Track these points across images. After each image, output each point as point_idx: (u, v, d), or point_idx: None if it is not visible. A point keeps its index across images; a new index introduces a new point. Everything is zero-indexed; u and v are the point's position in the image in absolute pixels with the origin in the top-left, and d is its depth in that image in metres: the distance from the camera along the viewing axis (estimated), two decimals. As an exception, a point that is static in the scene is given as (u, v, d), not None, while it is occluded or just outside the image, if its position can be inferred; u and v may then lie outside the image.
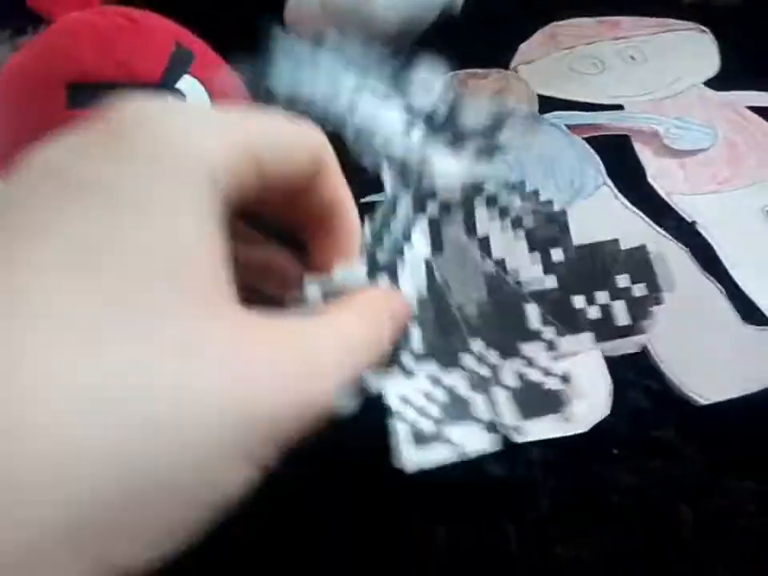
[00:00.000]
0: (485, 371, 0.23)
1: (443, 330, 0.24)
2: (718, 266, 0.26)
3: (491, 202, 0.25)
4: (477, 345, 0.24)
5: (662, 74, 0.37)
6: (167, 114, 0.14)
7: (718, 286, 0.25)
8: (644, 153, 0.33)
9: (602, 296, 0.24)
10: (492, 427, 0.21)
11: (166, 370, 0.12)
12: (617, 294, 0.24)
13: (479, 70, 0.43)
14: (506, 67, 0.42)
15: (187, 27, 0.37)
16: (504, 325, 0.24)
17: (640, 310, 0.23)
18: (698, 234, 0.28)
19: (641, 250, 0.24)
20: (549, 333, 0.24)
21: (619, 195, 0.30)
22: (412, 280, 0.24)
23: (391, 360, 0.22)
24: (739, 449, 0.21)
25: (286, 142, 0.17)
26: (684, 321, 0.23)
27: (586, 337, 0.23)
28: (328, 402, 0.15)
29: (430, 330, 0.23)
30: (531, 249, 0.25)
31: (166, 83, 0.32)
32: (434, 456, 0.20)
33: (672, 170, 0.31)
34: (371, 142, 0.25)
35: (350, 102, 0.26)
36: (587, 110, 0.36)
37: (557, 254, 0.25)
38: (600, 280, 0.24)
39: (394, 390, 0.21)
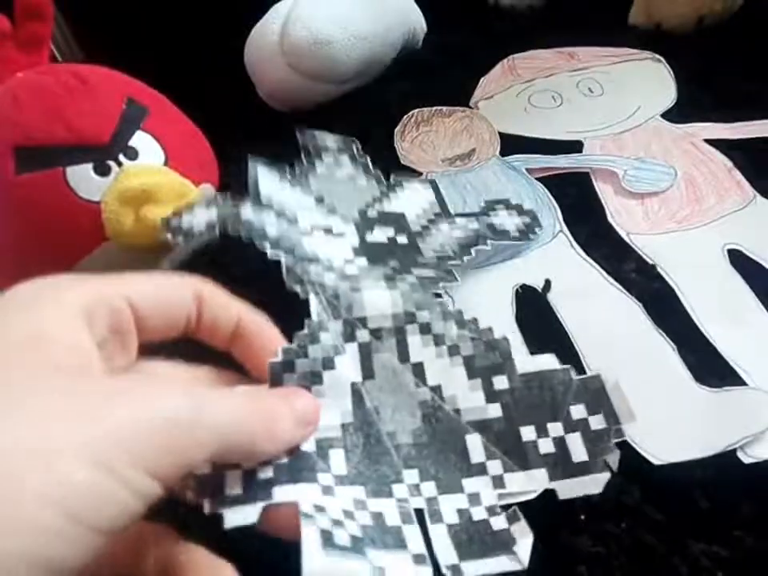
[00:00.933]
0: (419, 503, 0.21)
1: (372, 458, 0.22)
2: (679, 313, 0.26)
3: (425, 329, 0.25)
4: (411, 476, 0.22)
5: (619, 106, 0.37)
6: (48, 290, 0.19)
7: (671, 343, 0.25)
8: (604, 191, 0.32)
9: (554, 428, 0.22)
10: (421, 559, 0.20)
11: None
12: (572, 425, 0.22)
13: (443, 108, 0.42)
14: (468, 100, 0.42)
15: (147, 76, 0.37)
16: (443, 456, 0.22)
17: (598, 443, 0.21)
18: (659, 278, 0.27)
19: (595, 380, 0.22)
20: (495, 467, 0.22)
21: (575, 244, 0.30)
22: (334, 404, 0.23)
23: (306, 476, 0.20)
24: (700, 512, 0.20)
25: (162, 293, 0.21)
26: (636, 380, 0.23)
27: (539, 474, 0.21)
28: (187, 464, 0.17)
29: (357, 456, 0.22)
30: (471, 376, 0.24)
31: (116, 142, 0.31)
32: (343, 567, 0.18)
33: (632, 209, 0.31)
34: (307, 270, 0.27)
35: (300, 235, 0.29)
36: (547, 147, 0.36)
37: (500, 382, 0.23)
38: (551, 410, 0.23)
39: (309, 498, 0.20)
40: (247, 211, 0.29)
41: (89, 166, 0.30)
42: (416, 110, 0.42)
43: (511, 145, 0.37)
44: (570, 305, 0.27)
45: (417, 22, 0.51)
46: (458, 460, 0.22)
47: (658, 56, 0.41)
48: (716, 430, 0.21)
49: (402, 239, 0.30)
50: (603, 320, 0.26)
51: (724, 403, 0.22)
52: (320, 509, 0.19)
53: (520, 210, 0.32)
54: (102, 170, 0.30)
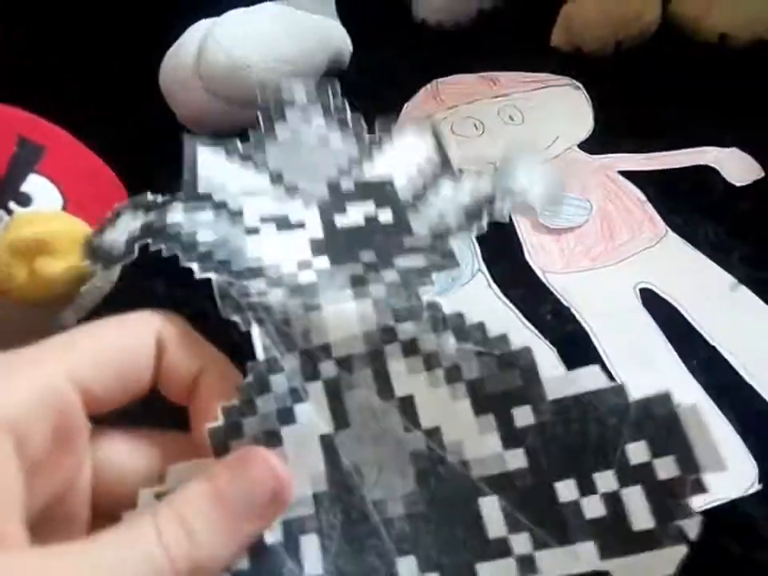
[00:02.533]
0: None
1: (356, 544, 0.16)
2: (592, 358, 0.26)
3: (410, 349, 0.18)
4: (406, 566, 0.16)
5: (538, 136, 0.37)
6: None
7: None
8: (523, 226, 0.32)
9: (604, 479, 0.16)
10: None
11: None
12: (629, 474, 0.16)
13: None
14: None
15: (47, 108, 0.35)
16: (448, 532, 0.16)
17: (669, 501, 0.15)
18: (573, 320, 0.27)
19: (663, 400, 0.16)
20: (521, 543, 0.16)
21: (492, 284, 0.29)
22: (301, 469, 0.17)
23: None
24: None
25: (120, 355, 0.17)
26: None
27: (585, 549, 0.15)
28: None
29: (335, 544, 0.17)
30: (479, 409, 0.17)
31: (6, 189, 0.29)
32: None
33: (548, 245, 0.31)
34: (246, 290, 0.19)
35: (244, 235, 0.21)
36: (468, 179, 0.35)
37: (522, 416, 0.17)
38: (599, 453, 0.16)
39: None
40: (176, 212, 0.21)
41: (-26, 217, 0.28)
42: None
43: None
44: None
45: (342, 41, 0.50)
46: (469, 536, 0.16)
47: (577, 83, 0.41)
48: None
49: (386, 216, 0.22)
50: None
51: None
52: None
53: (548, 172, 0.23)
54: (-11, 221, 0.28)
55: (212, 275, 0.19)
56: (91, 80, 0.48)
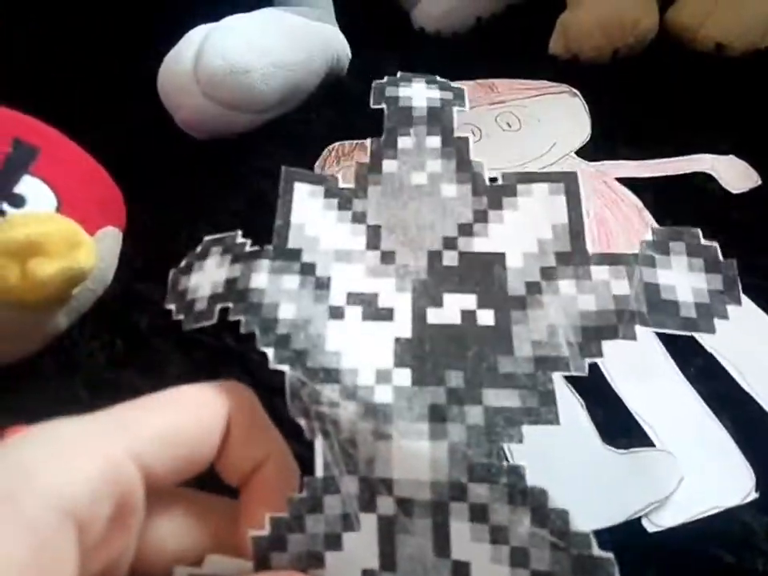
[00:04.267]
0: None
1: None
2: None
3: (478, 516, 0.16)
4: None
5: (536, 143, 0.37)
6: (34, 447, 0.14)
7: (579, 398, 0.24)
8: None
9: None
10: None
11: None
12: None
13: (365, 141, 0.41)
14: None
15: (44, 109, 0.35)
16: None
17: None
18: (569, 327, 0.27)
19: None
20: None
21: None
22: None
23: None
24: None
25: (181, 439, 0.16)
26: (542, 438, 0.22)
27: None
28: None
29: None
30: None
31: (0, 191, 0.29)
32: None
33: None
34: (318, 396, 0.17)
35: (327, 318, 0.18)
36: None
37: None
38: None
39: None
40: (262, 273, 0.19)
41: (-34, 218, 0.28)
42: (337, 144, 0.41)
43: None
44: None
45: (341, 48, 0.50)
46: None
47: (574, 90, 0.41)
48: (622, 496, 0.21)
49: (487, 318, 0.18)
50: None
51: (630, 467, 0.22)
52: None
53: (712, 262, 0.19)
54: (-18, 222, 0.28)
55: (286, 369, 0.17)
56: (89, 83, 0.48)
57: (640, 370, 0.25)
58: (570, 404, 0.24)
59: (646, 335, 0.26)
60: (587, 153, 0.36)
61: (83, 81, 0.48)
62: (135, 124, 0.46)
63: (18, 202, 0.29)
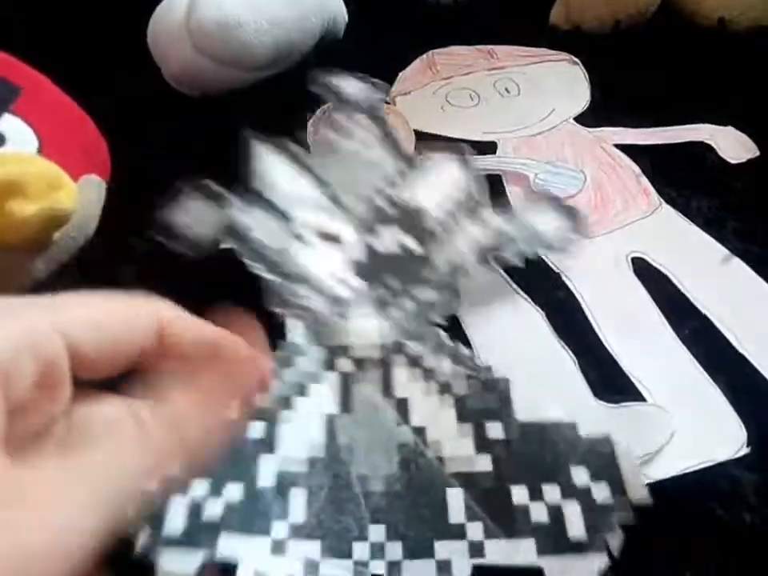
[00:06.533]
0: (378, 568, 0.18)
1: (337, 504, 0.19)
2: (581, 324, 0.25)
3: (413, 363, 0.22)
4: (376, 532, 0.19)
5: (534, 108, 0.37)
6: None
7: (571, 354, 0.24)
8: (515, 194, 0.32)
9: (551, 491, 0.19)
10: None
11: None
12: (571, 491, 0.19)
13: (361, 101, 0.41)
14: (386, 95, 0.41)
15: (33, 57, 0.33)
16: (416, 511, 0.19)
17: (600, 519, 0.18)
18: (564, 286, 0.27)
19: (604, 443, 0.19)
20: (475, 531, 0.19)
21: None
22: (303, 434, 0.20)
23: (258, 525, 0.18)
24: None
25: (114, 327, 0.17)
26: (536, 391, 0.21)
27: (526, 545, 0.18)
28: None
29: (320, 501, 0.19)
30: (461, 419, 0.21)
31: (-22, 126, 0.27)
32: None
33: (541, 213, 0.30)
34: (293, 291, 0.23)
35: (291, 240, 0.24)
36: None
37: (494, 430, 0.20)
38: (550, 470, 0.19)
39: (254, 557, 0.18)
40: (234, 210, 0.26)
41: (-59, 153, 0.26)
42: (330, 103, 0.40)
43: (426, 143, 0.36)
44: (473, 312, 0.26)
45: (337, 10, 0.49)
46: (434, 518, 0.19)
47: (575, 58, 0.40)
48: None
49: (415, 246, 0.25)
50: (504, 327, 0.25)
51: (622, 420, 0.22)
52: None
53: (569, 211, 0.27)
54: (-42, 158, 0.27)
55: (268, 275, 0.24)
56: (77, 32, 0.46)
57: (633, 330, 0.25)
58: (561, 359, 0.24)
59: (639, 295, 0.26)
60: (586, 119, 0.36)
61: (72, 32, 0.47)
62: (124, 78, 0.45)
63: (-3, 140, 0.28)
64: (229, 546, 0.18)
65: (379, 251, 0.25)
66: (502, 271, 0.27)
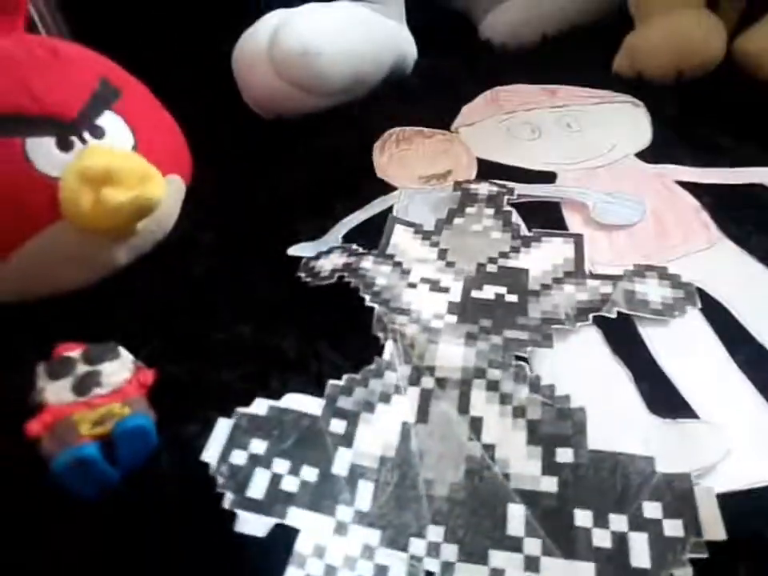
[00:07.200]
0: (433, 566, 0.19)
1: (401, 502, 0.21)
2: (637, 343, 0.25)
3: (492, 386, 0.24)
4: (435, 532, 0.20)
5: (596, 143, 0.38)
6: None
7: (627, 371, 0.24)
8: (572, 221, 0.32)
9: (617, 520, 0.19)
10: None
11: None
12: (639, 523, 0.19)
13: (425, 129, 0.43)
14: (448, 127, 0.42)
15: (133, 68, 0.37)
16: (476, 519, 0.20)
17: (668, 553, 0.18)
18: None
19: (684, 479, 0.20)
20: (533, 546, 0.19)
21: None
22: (379, 436, 0.22)
23: (325, 506, 0.20)
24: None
25: None
26: (594, 407, 0.22)
27: (586, 568, 0.18)
28: None
29: (386, 495, 0.21)
30: (532, 441, 0.22)
31: (83, 119, 0.30)
32: None
33: (597, 239, 0.31)
34: (393, 319, 0.27)
35: (405, 287, 0.29)
36: (522, 176, 0.36)
37: (564, 454, 0.21)
38: (619, 500, 0.19)
39: (317, 532, 0.20)
40: (368, 262, 0.30)
41: (51, 140, 0.29)
42: (398, 128, 0.42)
43: (487, 170, 0.37)
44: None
45: (408, 48, 0.52)
46: (492, 527, 0.20)
47: (637, 101, 0.41)
48: (668, 463, 0.21)
49: (511, 297, 0.28)
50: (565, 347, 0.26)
51: (676, 435, 0.22)
52: (319, 550, 0.19)
53: (676, 282, 0.28)
54: (65, 145, 0.29)
55: (376, 306, 0.28)
56: (171, 56, 0.50)
57: (689, 351, 0.25)
58: (617, 375, 0.24)
59: (696, 322, 0.26)
60: (647, 156, 0.37)
61: (172, 54, 0.51)
62: (212, 99, 0.48)
63: (98, 133, 0.31)
64: (297, 517, 0.20)
65: (474, 297, 0.28)
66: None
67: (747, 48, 0.44)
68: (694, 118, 0.40)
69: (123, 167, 0.30)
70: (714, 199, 0.32)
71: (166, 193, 0.32)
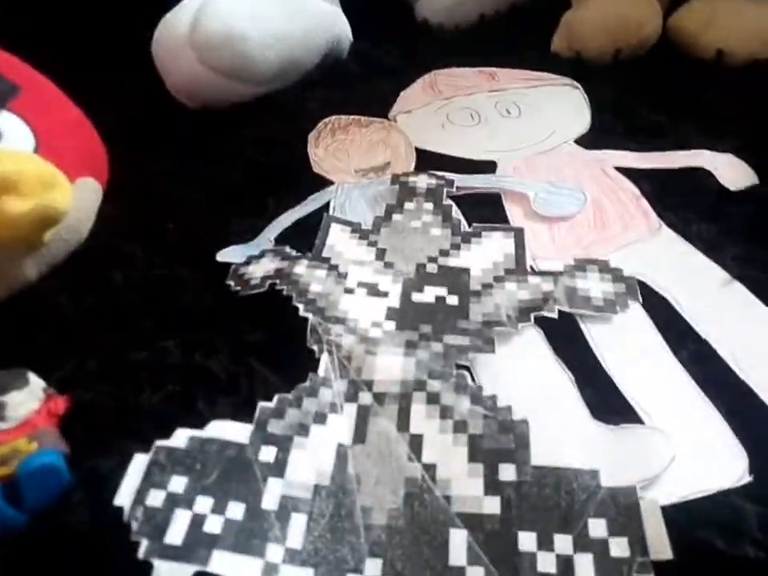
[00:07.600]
0: None
1: (337, 534, 0.19)
2: (580, 344, 0.25)
3: (432, 399, 0.22)
4: (373, 567, 0.18)
5: (535, 129, 0.37)
6: None
7: (570, 374, 0.23)
8: (514, 213, 0.31)
9: (563, 542, 0.18)
10: None
11: None
12: (585, 544, 0.18)
13: (362, 118, 0.41)
14: (386, 114, 0.41)
15: (42, 65, 0.33)
16: (416, 549, 0.19)
17: (614, 574, 0.17)
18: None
19: (629, 493, 0.19)
20: None
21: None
22: (312, 462, 0.21)
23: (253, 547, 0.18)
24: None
25: None
26: (536, 418, 0.21)
27: None
28: None
29: (320, 528, 0.19)
30: (473, 458, 0.20)
31: (-26, 122, 0.27)
32: None
33: (539, 232, 0.30)
34: (328, 330, 0.25)
35: (342, 293, 0.27)
36: (462, 166, 0.35)
37: (507, 472, 0.20)
38: (564, 519, 0.19)
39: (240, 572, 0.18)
40: (301, 266, 0.29)
41: (-65, 146, 0.26)
42: (333, 117, 0.40)
43: (426, 161, 0.36)
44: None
45: (342, 30, 0.49)
46: (433, 557, 0.18)
47: (576, 83, 0.41)
48: (613, 475, 0.20)
49: (452, 300, 0.27)
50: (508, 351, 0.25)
51: (620, 442, 0.21)
52: None
53: (617, 276, 0.27)
54: (-48, 152, 0.26)
55: (310, 316, 0.26)
56: (83, 37, 0.46)
57: (632, 350, 0.24)
58: (560, 380, 0.23)
59: (638, 317, 0.26)
60: (586, 142, 0.36)
61: (79, 42, 0.47)
62: (128, 88, 0.45)
63: (-7, 136, 0.28)
64: (221, 562, 0.18)
65: (414, 301, 0.27)
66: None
67: (683, 25, 0.44)
68: (631, 98, 0.39)
69: (22, 173, 0.27)
70: (653, 186, 0.32)
71: (75, 198, 0.29)
